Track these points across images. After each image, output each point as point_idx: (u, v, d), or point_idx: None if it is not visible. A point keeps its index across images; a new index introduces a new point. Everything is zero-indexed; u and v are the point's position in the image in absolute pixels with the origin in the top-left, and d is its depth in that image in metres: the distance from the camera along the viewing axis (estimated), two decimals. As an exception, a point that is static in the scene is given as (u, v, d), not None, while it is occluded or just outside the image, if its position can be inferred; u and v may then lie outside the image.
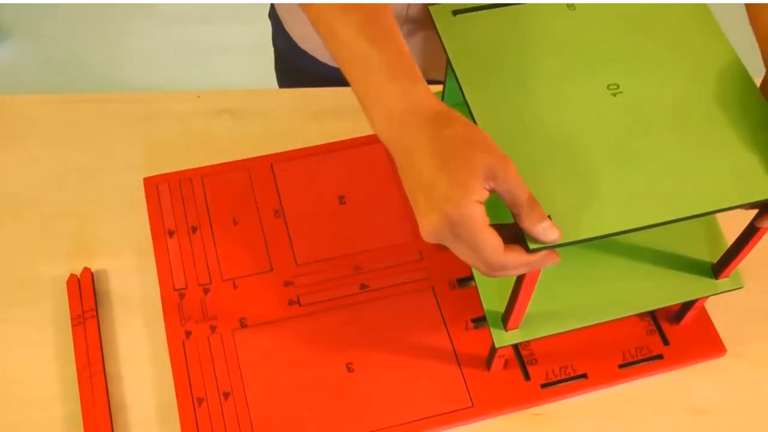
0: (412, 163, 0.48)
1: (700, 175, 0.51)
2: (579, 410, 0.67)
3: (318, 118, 0.81)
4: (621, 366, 0.68)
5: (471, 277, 0.71)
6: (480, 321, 0.70)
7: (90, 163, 0.79)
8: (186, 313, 0.70)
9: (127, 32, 1.83)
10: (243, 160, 0.78)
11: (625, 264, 0.62)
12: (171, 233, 0.74)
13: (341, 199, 0.76)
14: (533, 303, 0.57)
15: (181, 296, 0.71)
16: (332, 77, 0.86)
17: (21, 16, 1.84)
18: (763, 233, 0.56)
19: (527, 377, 0.68)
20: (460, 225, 0.47)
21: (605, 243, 0.63)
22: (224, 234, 0.74)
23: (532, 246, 0.48)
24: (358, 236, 0.74)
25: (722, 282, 0.63)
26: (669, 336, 0.70)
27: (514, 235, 0.49)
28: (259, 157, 0.78)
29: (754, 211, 0.55)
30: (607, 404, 0.68)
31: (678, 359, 0.69)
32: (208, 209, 0.75)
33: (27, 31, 1.83)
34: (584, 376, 0.68)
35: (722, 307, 0.70)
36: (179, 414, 0.65)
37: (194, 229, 0.74)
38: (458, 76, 0.55)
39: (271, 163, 0.78)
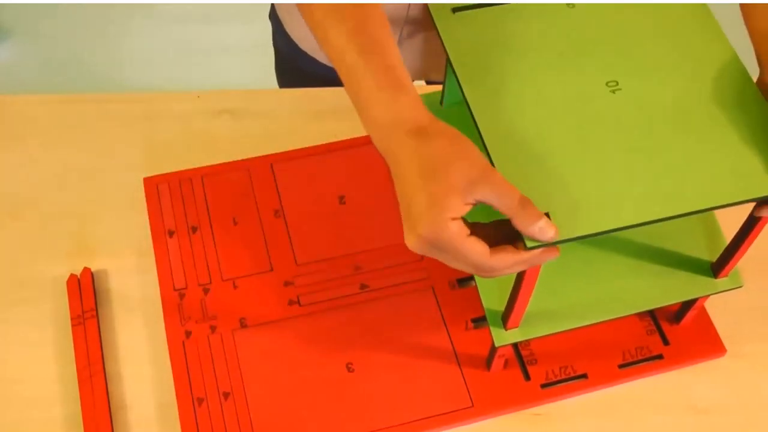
0: (397, 175, 0.49)
1: (698, 172, 0.51)
2: (579, 410, 0.67)
3: (318, 118, 0.81)
4: (621, 366, 0.68)
5: (471, 278, 0.71)
6: (480, 321, 0.70)
7: (90, 163, 0.79)
8: (186, 313, 0.70)
9: (127, 32, 1.83)
10: (243, 160, 0.78)
11: (624, 263, 0.62)
12: (171, 233, 0.74)
13: (341, 199, 0.76)
14: (533, 302, 0.57)
15: (181, 296, 0.71)
16: (332, 78, 0.85)
17: (21, 16, 1.84)
18: (762, 226, 0.56)
19: (527, 377, 0.68)
20: (438, 243, 0.48)
21: (605, 242, 0.63)
22: (224, 234, 0.74)
23: (530, 244, 0.48)
24: (358, 236, 0.74)
25: (722, 281, 0.63)
26: (669, 336, 0.70)
27: (512, 231, 0.49)
28: (259, 157, 0.78)
29: (752, 205, 0.55)
30: (607, 404, 0.68)
31: (678, 359, 0.69)
32: (208, 209, 0.75)
33: (27, 31, 1.83)
34: (584, 376, 0.68)
35: (722, 307, 0.70)
36: (179, 414, 0.65)
37: (194, 229, 0.74)
38: (457, 74, 0.55)
39: (271, 163, 0.78)
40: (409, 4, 0.77)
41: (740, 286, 0.63)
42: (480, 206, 0.48)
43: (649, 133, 0.52)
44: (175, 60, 1.79)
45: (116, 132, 0.81)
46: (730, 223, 0.60)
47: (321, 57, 0.87)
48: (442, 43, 0.57)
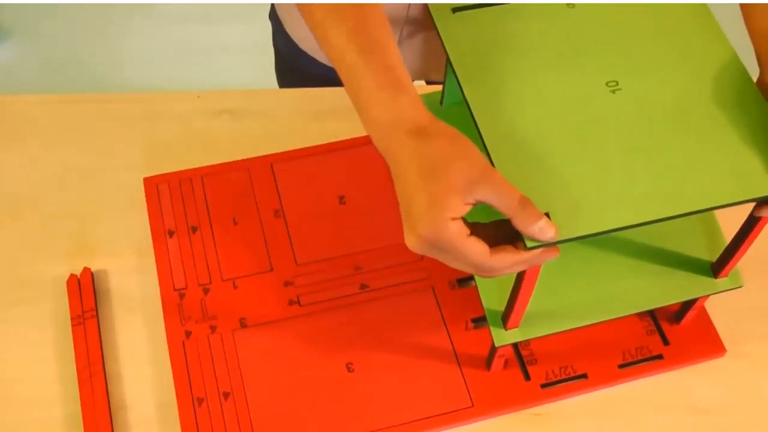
0: (397, 175, 0.49)
1: (698, 172, 0.51)
2: (579, 410, 0.67)
3: (318, 118, 0.81)
4: (621, 366, 0.68)
5: (471, 278, 0.71)
6: (480, 321, 0.70)
7: (90, 163, 0.79)
8: (186, 313, 0.70)
9: (127, 32, 1.83)
10: (243, 160, 0.78)
11: (625, 263, 0.62)
12: (171, 233, 0.74)
13: (341, 199, 0.76)
14: (533, 302, 0.57)
15: (181, 296, 0.71)
16: (332, 78, 0.85)
17: (21, 16, 1.84)
18: (762, 226, 0.56)
19: (527, 377, 0.68)
20: (438, 243, 0.48)
21: (605, 242, 0.63)
22: (224, 234, 0.74)
23: (530, 244, 0.48)
24: (358, 236, 0.74)
25: (722, 281, 0.63)
26: (669, 336, 0.70)
27: (512, 231, 0.49)
28: (259, 157, 0.78)
29: (752, 205, 0.55)
30: (607, 404, 0.68)
31: (678, 359, 0.69)
32: (208, 209, 0.75)
33: (27, 31, 1.83)
34: (584, 376, 0.68)
35: (722, 307, 0.70)
36: (179, 414, 0.65)
37: (194, 229, 0.74)
38: (457, 74, 0.55)
39: (271, 163, 0.78)
40: (409, 4, 0.77)
41: (740, 286, 0.63)
42: (480, 206, 0.48)
43: (648, 133, 0.52)
44: (175, 60, 1.79)
45: (116, 132, 0.81)
46: (730, 223, 0.60)
47: (321, 57, 0.87)
48: (442, 43, 0.57)
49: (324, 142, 0.79)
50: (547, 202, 0.49)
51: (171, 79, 1.74)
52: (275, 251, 0.73)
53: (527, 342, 0.68)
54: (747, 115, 0.53)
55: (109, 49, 1.80)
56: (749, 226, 0.57)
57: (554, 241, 0.48)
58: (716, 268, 0.62)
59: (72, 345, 0.69)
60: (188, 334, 0.69)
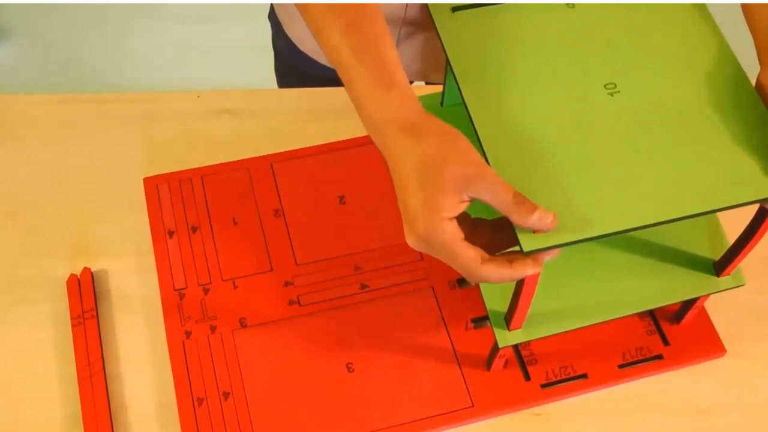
0: (395, 173, 0.50)
1: (697, 175, 0.51)
2: (579, 410, 0.67)
3: (318, 118, 0.81)
4: (621, 366, 0.68)
5: (471, 277, 0.71)
6: (480, 321, 0.70)
7: (90, 163, 0.79)
8: (186, 313, 0.70)
9: (127, 32, 1.83)
10: (243, 160, 0.78)
11: (627, 263, 0.62)
12: (171, 233, 0.74)
13: (341, 199, 0.76)
14: (536, 303, 0.57)
15: (181, 296, 0.71)
16: (332, 78, 0.85)
17: (21, 16, 1.84)
18: None
19: (527, 377, 0.68)
20: (433, 242, 0.48)
21: (607, 242, 0.63)
22: (224, 234, 0.74)
23: (526, 249, 0.48)
24: (358, 236, 0.74)
25: (724, 280, 0.63)
26: (669, 336, 0.70)
27: (509, 238, 0.49)
28: (259, 157, 0.78)
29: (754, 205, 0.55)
30: (607, 404, 0.68)
31: (678, 359, 0.69)
32: (208, 209, 0.75)
33: (27, 31, 1.83)
34: (584, 376, 0.68)
35: (722, 307, 0.70)
36: (179, 414, 0.65)
37: (194, 229, 0.74)
38: (456, 74, 0.55)
39: (271, 163, 0.78)
40: (407, 5, 0.77)
41: (742, 285, 0.63)
42: (480, 206, 0.48)
43: (647, 136, 0.52)
44: (175, 60, 1.79)
45: (116, 132, 0.81)
46: (731, 222, 0.60)
47: (321, 58, 0.87)
48: (441, 43, 0.57)
49: (324, 142, 0.79)
50: (546, 206, 0.49)
51: (171, 79, 1.74)
52: (275, 251, 0.73)
53: (527, 342, 0.68)
54: (745, 116, 0.53)
55: (109, 49, 1.80)
56: (759, 221, 0.56)
57: (556, 244, 0.48)
58: (719, 266, 0.62)
59: (72, 345, 0.69)
60: (188, 334, 0.69)
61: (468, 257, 0.48)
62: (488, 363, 0.67)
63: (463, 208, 0.48)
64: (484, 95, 0.54)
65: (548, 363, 0.68)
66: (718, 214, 0.64)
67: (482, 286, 0.61)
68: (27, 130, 0.81)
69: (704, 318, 0.71)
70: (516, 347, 0.69)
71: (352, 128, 0.78)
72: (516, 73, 0.55)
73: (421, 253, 0.73)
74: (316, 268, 0.72)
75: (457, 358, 0.68)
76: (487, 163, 0.51)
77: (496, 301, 0.60)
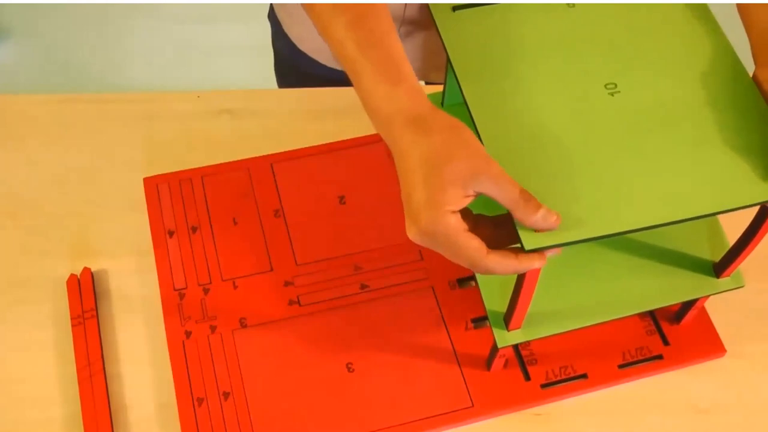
0: (400, 167, 0.50)
1: (699, 176, 0.51)
2: (579, 410, 0.67)
3: (318, 118, 0.81)
4: (621, 366, 0.68)
5: (471, 277, 0.71)
6: (480, 321, 0.70)
7: (90, 163, 0.79)
8: (186, 313, 0.70)
9: (127, 32, 1.83)
10: (243, 160, 0.78)
11: (627, 263, 0.62)
12: (171, 233, 0.74)
13: (341, 199, 0.76)
14: (535, 303, 0.57)
15: (181, 296, 0.71)
16: (332, 79, 0.86)
17: (21, 16, 1.84)
18: None
19: (527, 377, 0.68)
20: (436, 235, 0.48)
21: (607, 242, 0.63)
22: (224, 234, 0.74)
23: (528, 247, 0.48)
24: (358, 236, 0.74)
25: (724, 281, 0.63)
26: (669, 336, 0.70)
27: (511, 234, 0.49)
28: (259, 157, 0.78)
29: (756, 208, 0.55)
30: (607, 404, 0.68)
31: (678, 359, 0.69)
32: (208, 209, 0.75)
33: (27, 31, 1.83)
34: (584, 376, 0.68)
35: (722, 307, 0.70)
36: (179, 414, 0.65)
37: (194, 229, 0.74)
38: (456, 73, 0.55)
39: (271, 163, 0.78)
40: (406, 4, 0.77)
41: (742, 286, 0.63)
42: (483, 200, 0.48)
43: (648, 136, 0.52)
44: (175, 60, 1.79)
45: (116, 132, 0.81)
46: (731, 223, 0.60)
47: (321, 58, 0.87)
48: (442, 42, 0.57)
49: (324, 142, 0.79)
50: (546, 205, 0.49)
51: (171, 79, 1.74)
52: (275, 251, 0.73)
53: (527, 342, 0.68)
54: (747, 116, 0.53)
55: (109, 49, 1.80)
56: (759, 223, 0.56)
57: (556, 243, 0.48)
58: (719, 267, 0.62)
59: (72, 345, 0.69)
60: (188, 334, 0.69)
61: (473, 247, 0.48)
62: (488, 363, 0.67)
63: (467, 202, 0.48)
64: (485, 94, 0.54)
65: (548, 363, 0.68)
66: (719, 216, 0.64)
67: (482, 286, 0.61)
68: (27, 130, 0.81)
69: (704, 318, 0.71)
70: (516, 347, 0.69)
71: (352, 128, 0.78)
72: (516, 73, 0.55)
73: (421, 253, 0.73)
74: (316, 268, 0.72)
75: (457, 358, 0.68)
76: None
77: (495, 301, 0.60)
